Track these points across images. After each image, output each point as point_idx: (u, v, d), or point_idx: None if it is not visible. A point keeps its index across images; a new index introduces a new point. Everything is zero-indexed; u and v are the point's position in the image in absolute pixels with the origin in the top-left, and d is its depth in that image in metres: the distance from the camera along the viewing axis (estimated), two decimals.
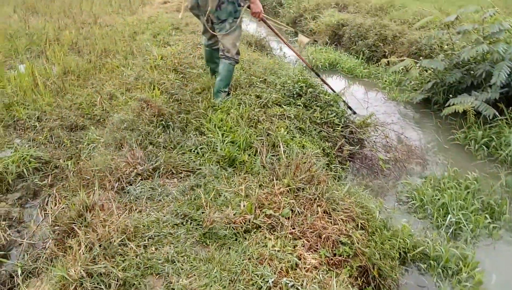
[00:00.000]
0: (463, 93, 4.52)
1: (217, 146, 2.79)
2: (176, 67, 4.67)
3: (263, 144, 2.85)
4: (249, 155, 2.78)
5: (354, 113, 4.32)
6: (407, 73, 4.92)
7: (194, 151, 2.78)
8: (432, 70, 4.56)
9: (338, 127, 3.67)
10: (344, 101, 4.26)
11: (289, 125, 3.36)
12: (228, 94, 3.72)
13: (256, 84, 4.22)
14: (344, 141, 3.55)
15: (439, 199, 3.00)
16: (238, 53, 3.61)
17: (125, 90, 4.27)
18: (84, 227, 1.75)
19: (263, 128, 3.12)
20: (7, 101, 4.21)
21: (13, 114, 3.94)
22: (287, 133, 3.14)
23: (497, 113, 3.87)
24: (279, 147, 2.79)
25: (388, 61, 4.76)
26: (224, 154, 2.65)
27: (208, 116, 3.24)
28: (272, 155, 2.78)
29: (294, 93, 3.99)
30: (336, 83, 6.20)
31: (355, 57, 7.25)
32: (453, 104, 4.12)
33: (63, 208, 2.00)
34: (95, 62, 5.47)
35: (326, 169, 2.75)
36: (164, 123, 3.02)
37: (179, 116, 3.21)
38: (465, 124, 4.12)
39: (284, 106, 3.69)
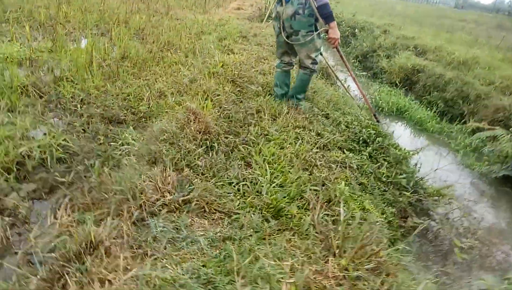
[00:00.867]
0: None
1: (262, 186, 2.32)
2: (235, 78, 4.29)
3: (317, 197, 2.34)
4: (298, 207, 2.28)
5: (378, 121, 4.19)
6: (494, 142, 4.22)
7: (235, 185, 2.32)
8: None
9: (406, 191, 3.08)
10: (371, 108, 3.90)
11: (350, 177, 2.83)
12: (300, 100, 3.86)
13: (318, 117, 3.74)
14: (411, 210, 2.96)
15: None
16: (314, 63, 3.62)
17: (176, 92, 3.93)
18: (79, 274, 1.33)
19: (320, 176, 2.61)
20: (58, 74, 4.02)
21: (59, 91, 3.71)
22: (347, 187, 2.61)
23: None
24: (338, 205, 2.27)
25: (477, 127, 4.08)
26: (269, 201, 2.17)
27: (259, 145, 2.79)
28: (326, 214, 2.26)
29: (360, 138, 3.46)
30: (402, 132, 5.57)
31: (427, 108, 6.57)
32: None
33: (68, 231, 1.59)
34: (155, 53, 5.24)
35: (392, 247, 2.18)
36: (208, 143, 2.60)
37: (227, 138, 2.78)
38: None
39: (346, 152, 3.17)
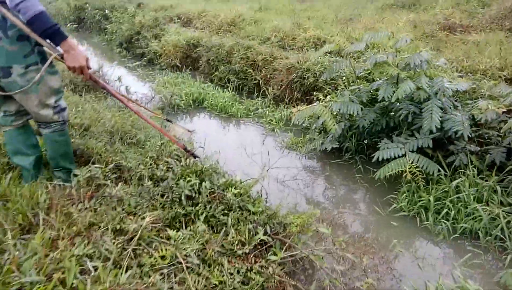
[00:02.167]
0: (380, 137, 3.68)
1: None
2: None
3: None
4: None
5: (195, 157, 2.84)
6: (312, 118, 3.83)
7: None
8: (342, 113, 3.55)
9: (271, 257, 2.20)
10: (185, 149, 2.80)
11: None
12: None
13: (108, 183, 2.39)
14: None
15: None
16: (59, 111, 2.31)
17: None
18: None
19: None
20: None
21: None
22: None
23: (440, 169, 3.08)
24: None
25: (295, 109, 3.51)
26: None
27: None
28: None
29: (179, 195, 2.34)
30: (209, 128, 4.71)
31: (221, 86, 5.89)
32: (383, 160, 3.17)
33: None
34: None
35: None
36: None
37: None
38: (400, 183, 3.24)
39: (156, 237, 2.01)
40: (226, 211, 2.40)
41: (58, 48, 2.03)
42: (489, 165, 3.06)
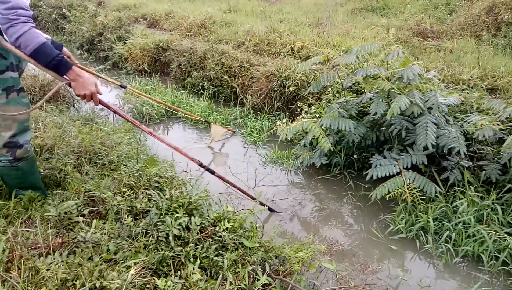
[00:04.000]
0: (370, 152, 3.54)
1: None
2: None
3: None
4: None
5: (212, 173, 2.78)
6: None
7: None
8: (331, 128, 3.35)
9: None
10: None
11: None
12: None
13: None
14: None
15: None
16: (13, 147, 2.05)
17: None
18: None
19: None
20: None
21: None
22: None
23: (440, 189, 2.97)
24: None
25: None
26: None
27: None
28: None
29: (166, 235, 2.04)
30: (186, 141, 4.38)
31: (194, 93, 5.56)
32: (379, 179, 3.02)
33: None
34: None
35: None
36: None
37: None
38: (393, 200, 3.10)
39: None
40: (220, 251, 2.13)
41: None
42: (484, 182, 2.99)
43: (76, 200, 2.40)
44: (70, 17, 8.09)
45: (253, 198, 2.87)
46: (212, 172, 2.75)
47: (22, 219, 2.15)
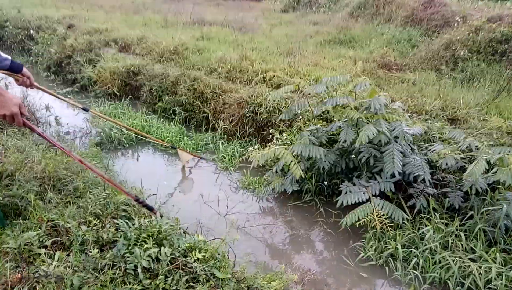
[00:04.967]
0: (340, 178, 3.61)
1: None
2: None
3: None
4: None
5: (150, 209, 2.57)
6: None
7: None
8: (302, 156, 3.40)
9: None
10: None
11: None
12: None
13: None
14: None
15: None
16: None
17: None
18: None
19: None
20: None
21: None
22: None
23: (407, 216, 3.05)
24: None
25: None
26: None
27: None
28: None
29: (135, 267, 1.95)
30: (156, 167, 4.29)
31: (165, 117, 5.50)
32: (349, 206, 3.07)
33: None
34: None
35: None
36: None
37: None
38: (362, 227, 3.14)
39: None
40: (191, 283, 2.06)
41: None
42: (447, 209, 3.11)
43: (38, 230, 2.28)
44: (38, 38, 7.91)
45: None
46: (151, 209, 2.59)
47: None
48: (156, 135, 4.79)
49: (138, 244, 2.12)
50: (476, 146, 3.10)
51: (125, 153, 4.59)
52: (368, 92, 3.36)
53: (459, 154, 2.98)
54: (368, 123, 3.26)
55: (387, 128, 3.21)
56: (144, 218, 2.30)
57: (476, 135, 3.74)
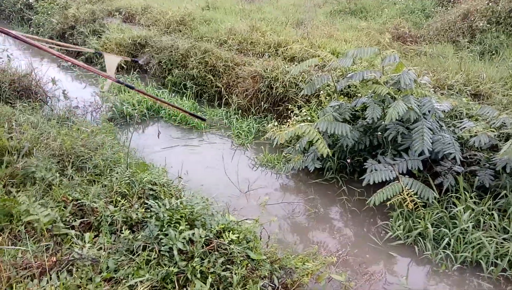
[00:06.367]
0: (362, 156, 3.51)
1: None
2: None
3: None
4: None
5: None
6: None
7: None
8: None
9: None
10: None
11: None
12: None
13: None
14: None
15: None
16: None
17: None
18: None
19: None
20: None
21: None
22: None
23: (436, 195, 2.97)
24: None
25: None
26: None
27: None
28: None
29: (170, 249, 1.88)
30: (170, 142, 4.19)
31: (176, 92, 5.34)
32: (374, 181, 2.99)
33: None
34: None
35: None
36: None
37: None
38: (387, 205, 3.07)
39: None
40: (227, 265, 1.99)
41: None
42: (476, 187, 3.04)
43: (62, 210, 2.20)
44: (37, 7, 7.59)
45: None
46: (132, 88, 3.11)
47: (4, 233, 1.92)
48: (169, 111, 4.65)
49: (171, 225, 2.05)
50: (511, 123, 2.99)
51: (138, 129, 4.46)
52: (394, 66, 3.20)
53: (492, 131, 2.87)
54: (393, 99, 3.14)
55: (417, 104, 3.08)
56: (176, 198, 2.21)
57: (503, 111, 3.61)
